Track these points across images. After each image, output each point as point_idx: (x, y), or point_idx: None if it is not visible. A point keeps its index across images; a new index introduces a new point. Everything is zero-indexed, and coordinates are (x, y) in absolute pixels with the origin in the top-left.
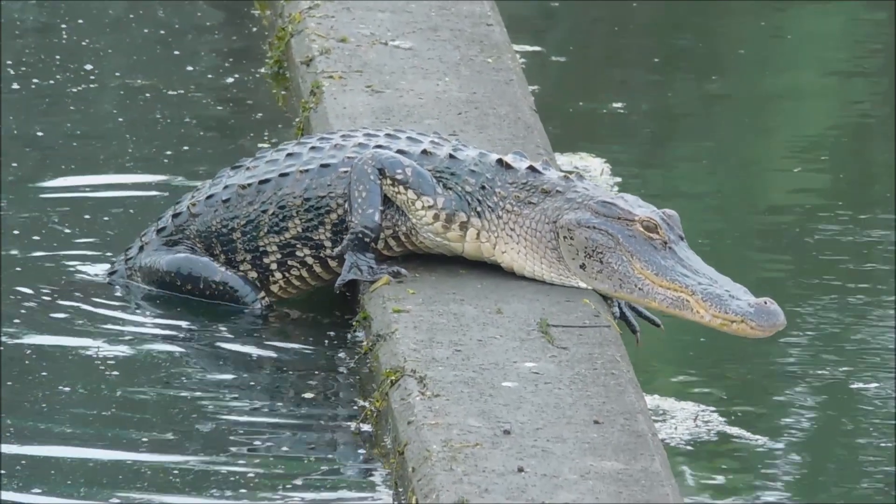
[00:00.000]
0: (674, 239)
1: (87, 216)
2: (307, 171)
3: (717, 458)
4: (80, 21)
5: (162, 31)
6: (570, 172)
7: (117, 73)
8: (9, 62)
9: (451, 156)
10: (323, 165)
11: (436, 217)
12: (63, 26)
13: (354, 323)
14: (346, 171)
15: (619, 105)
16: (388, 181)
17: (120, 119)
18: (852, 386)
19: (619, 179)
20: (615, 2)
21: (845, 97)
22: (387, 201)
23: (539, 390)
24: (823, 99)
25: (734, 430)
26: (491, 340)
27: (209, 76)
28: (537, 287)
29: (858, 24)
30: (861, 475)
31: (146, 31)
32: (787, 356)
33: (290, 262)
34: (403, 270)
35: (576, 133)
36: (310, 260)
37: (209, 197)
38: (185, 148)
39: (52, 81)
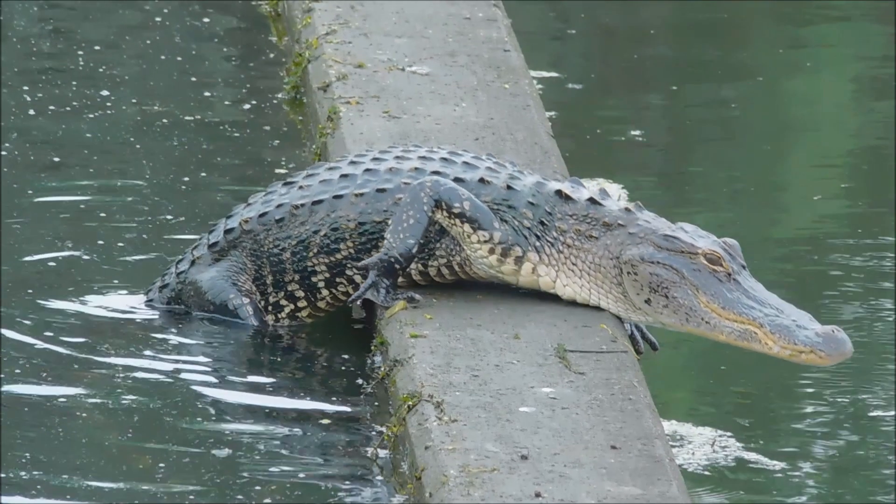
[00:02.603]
0: (737, 269)
1: (101, 242)
2: (362, 194)
3: (735, 484)
4: (97, 48)
5: (179, 58)
6: (630, 202)
7: (134, 100)
8: (25, 88)
9: (508, 186)
10: (379, 190)
11: (491, 251)
12: (80, 52)
13: (372, 348)
14: (402, 198)
15: (637, 132)
16: (445, 213)
17: (137, 145)
18: (871, 413)
19: None
20: (633, 29)
21: (865, 121)
22: (441, 230)
23: (556, 415)
24: (844, 125)
25: (752, 456)
26: (508, 365)
27: (226, 102)
28: (554, 312)
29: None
30: (879, 502)
31: (163, 57)
32: (806, 382)
33: (338, 280)
34: (418, 296)
35: (593, 159)
36: (358, 278)
37: (262, 215)
38: (203, 174)
39: (68, 108)
